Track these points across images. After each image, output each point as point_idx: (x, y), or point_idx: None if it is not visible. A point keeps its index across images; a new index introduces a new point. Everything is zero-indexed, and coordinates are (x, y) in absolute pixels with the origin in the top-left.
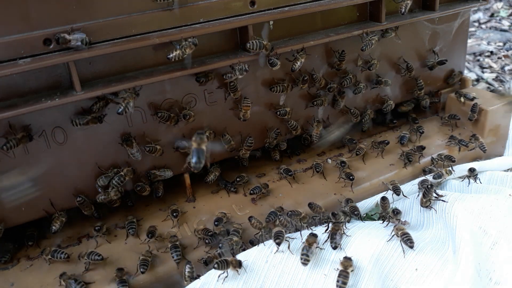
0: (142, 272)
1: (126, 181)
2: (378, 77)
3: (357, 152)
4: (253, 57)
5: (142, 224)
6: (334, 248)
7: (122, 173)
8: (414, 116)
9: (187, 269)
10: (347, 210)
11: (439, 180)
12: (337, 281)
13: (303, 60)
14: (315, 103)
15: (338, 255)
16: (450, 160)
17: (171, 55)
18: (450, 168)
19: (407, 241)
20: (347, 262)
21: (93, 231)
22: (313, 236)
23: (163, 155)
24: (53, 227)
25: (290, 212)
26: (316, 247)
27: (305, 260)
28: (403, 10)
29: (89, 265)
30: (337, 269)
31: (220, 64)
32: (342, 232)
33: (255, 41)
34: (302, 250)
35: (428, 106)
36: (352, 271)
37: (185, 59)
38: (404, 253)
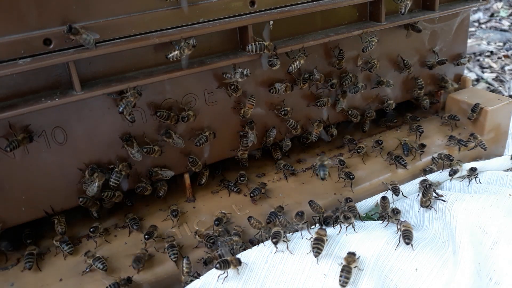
0: (134, 268)
1: (123, 176)
2: (379, 77)
3: (358, 151)
4: (253, 57)
5: (142, 224)
6: (347, 219)
7: (117, 169)
8: (412, 115)
9: (185, 264)
10: (346, 209)
11: (456, 175)
12: (340, 276)
13: (301, 61)
14: (318, 103)
15: (339, 254)
16: (449, 159)
17: (170, 55)
18: (457, 161)
19: (405, 237)
20: (350, 257)
21: (89, 232)
22: (324, 229)
23: (163, 156)
24: (60, 230)
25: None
26: (326, 240)
27: (316, 252)
28: (403, 11)
29: (91, 267)
30: (341, 263)
31: (220, 64)
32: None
33: (255, 44)
34: (314, 243)
35: (428, 106)
36: (355, 267)
37: (182, 59)
38: (397, 246)
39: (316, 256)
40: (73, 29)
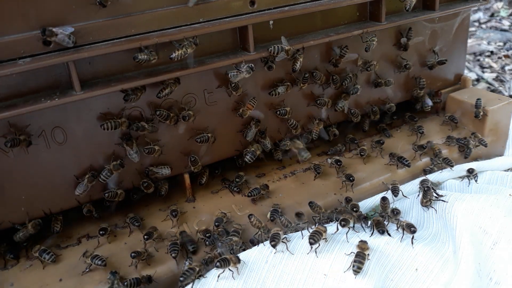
0: (132, 258)
1: (113, 175)
2: (377, 79)
3: (361, 153)
4: (254, 56)
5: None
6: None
7: (109, 167)
8: (411, 114)
9: (187, 263)
10: (348, 209)
11: (470, 150)
12: (354, 261)
13: (301, 59)
14: (318, 102)
15: (339, 255)
16: (448, 163)
17: (174, 55)
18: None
19: (410, 226)
20: (364, 244)
21: (98, 234)
22: (324, 226)
23: (163, 156)
24: (55, 229)
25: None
26: (324, 238)
27: (312, 240)
28: (407, 7)
29: (90, 266)
30: (351, 253)
31: (220, 64)
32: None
33: (277, 46)
34: (312, 233)
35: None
36: (368, 254)
37: (187, 58)
38: (401, 239)
39: (311, 244)
40: (47, 31)
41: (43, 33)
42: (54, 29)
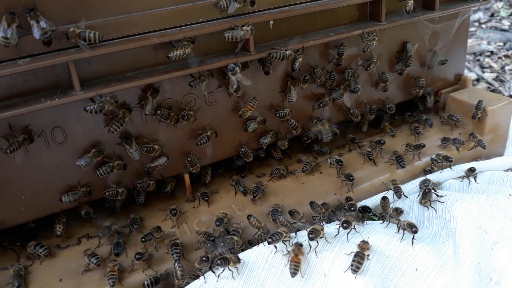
0: (137, 259)
1: (112, 173)
2: (381, 82)
3: (369, 157)
4: (253, 56)
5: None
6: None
7: (111, 164)
8: (410, 114)
9: (178, 268)
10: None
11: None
12: (353, 261)
13: (301, 59)
14: (320, 105)
15: (339, 255)
16: (448, 160)
17: (172, 55)
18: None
19: (412, 226)
20: (364, 245)
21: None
22: (321, 225)
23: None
24: (57, 232)
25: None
26: (322, 237)
27: (312, 236)
28: (408, 9)
29: (89, 265)
30: (351, 253)
31: (220, 64)
32: None
33: (280, 52)
34: (309, 230)
35: (431, 105)
36: (368, 255)
37: (187, 58)
38: (402, 239)
39: (311, 240)
40: (31, 12)
41: (29, 11)
42: (40, 15)
